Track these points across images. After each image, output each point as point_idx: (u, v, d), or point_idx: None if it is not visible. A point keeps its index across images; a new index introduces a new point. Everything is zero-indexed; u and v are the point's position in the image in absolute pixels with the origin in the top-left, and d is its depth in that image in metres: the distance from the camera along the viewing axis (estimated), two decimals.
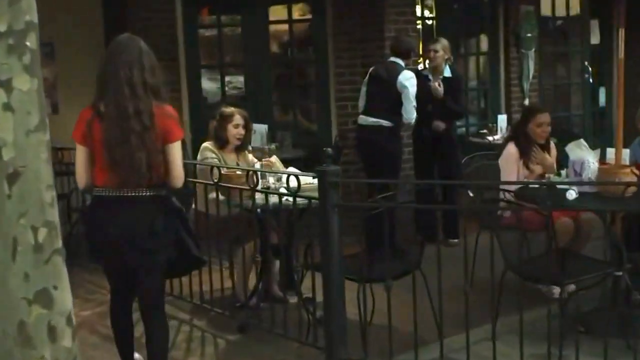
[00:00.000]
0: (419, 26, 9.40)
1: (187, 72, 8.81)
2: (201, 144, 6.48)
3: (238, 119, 6.25)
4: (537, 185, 5.65)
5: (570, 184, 5.26)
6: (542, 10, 10.75)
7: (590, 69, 11.64)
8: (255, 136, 8.43)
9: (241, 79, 9.32)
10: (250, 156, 6.45)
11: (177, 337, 5.66)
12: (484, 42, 10.35)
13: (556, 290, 5.55)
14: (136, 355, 4.71)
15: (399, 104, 7.33)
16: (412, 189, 8.59)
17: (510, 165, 6.31)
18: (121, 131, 3.93)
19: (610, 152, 5.67)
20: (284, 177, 5.91)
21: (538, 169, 6.24)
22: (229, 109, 6.34)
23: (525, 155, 6.28)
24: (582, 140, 5.73)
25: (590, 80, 11.69)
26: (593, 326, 5.13)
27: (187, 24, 8.76)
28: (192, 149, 8.54)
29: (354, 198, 8.74)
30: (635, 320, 5.16)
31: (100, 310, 6.20)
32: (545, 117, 6.34)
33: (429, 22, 9.83)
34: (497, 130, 9.08)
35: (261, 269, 5.84)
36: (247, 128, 6.30)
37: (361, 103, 7.73)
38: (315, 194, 4.70)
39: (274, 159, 6.03)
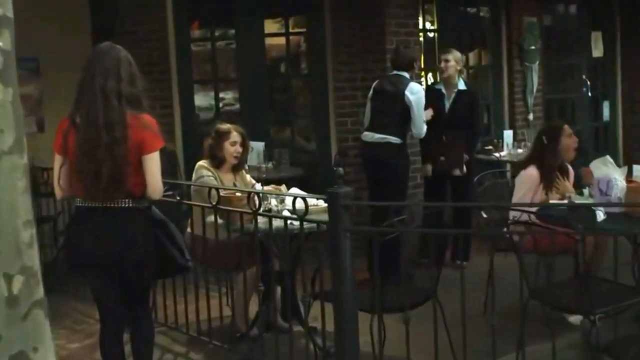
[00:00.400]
0: (421, 38, 9.11)
1: (180, 88, 8.50)
2: (194, 161, 6.17)
3: (235, 136, 5.89)
4: (564, 206, 5.25)
5: (602, 205, 4.87)
6: (544, 22, 10.50)
7: (588, 82, 11.39)
8: (251, 154, 8.14)
9: (236, 94, 9.01)
10: (249, 176, 6.06)
11: None
12: (487, 55, 10.14)
13: (580, 316, 5.17)
14: None
15: (407, 118, 6.96)
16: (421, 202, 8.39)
17: (528, 188, 5.91)
18: (90, 143, 3.90)
19: (638, 169, 5.31)
20: (288, 198, 5.56)
21: (557, 197, 5.84)
22: (225, 126, 5.97)
23: (546, 180, 5.88)
24: (607, 157, 5.36)
25: (589, 94, 11.45)
26: (621, 356, 4.74)
27: (179, 38, 8.46)
28: (184, 167, 8.18)
29: (357, 221, 8.40)
30: None
31: (89, 342, 5.78)
32: (569, 128, 5.98)
33: (431, 34, 9.57)
34: (503, 147, 8.72)
35: (263, 296, 5.45)
36: (245, 145, 5.94)
37: (366, 119, 7.34)
38: (321, 217, 4.44)
39: (283, 187, 5.64)
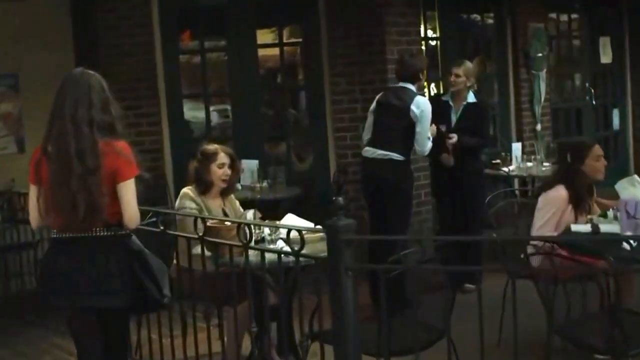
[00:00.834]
0: (423, 47, 8.71)
1: (168, 103, 8.17)
2: (185, 183, 5.72)
3: (222, 157, 5.42)
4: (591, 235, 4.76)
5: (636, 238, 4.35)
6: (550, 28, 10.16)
7: (592, 90, 11.01)
8: (245, 173, 7.71)
9: (228, 109, 8.68)
10: (238, 203, 5.57)
11: None
12: (492, 63, 9.80)
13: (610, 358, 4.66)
14: None
15: (412, 134, 6.48)
16: (430, 233, 7.95)
17: (556, 210, 5.36)
18: (63, 173, 3.84)
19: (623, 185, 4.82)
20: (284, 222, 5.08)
21: (584, 219, 5.33)
22: (212, 146, 5.51)
23: (576, 201, 5.35)
24: (635, 177, 4.88)
25: (593, 102, 11.06)
26: None
27: (166, 50, 8.13)
28: (174, 188, 7.74)
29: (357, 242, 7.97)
30: None
31: None
32: (600, 149, 5.46)
33: (433, 42, 9.20)
34: (511, 160, 8.25)
35: (257, 332, 4.96)
36: (234, 167, 5.46)
37: (366, 134, 6.86)
38: (320, 246, 4.13)
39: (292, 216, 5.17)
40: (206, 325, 4.68)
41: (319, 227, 5.22)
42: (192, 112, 8.73)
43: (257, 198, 7.40)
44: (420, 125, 6.47)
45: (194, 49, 8.60)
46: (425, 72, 6.84)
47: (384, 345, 3.97)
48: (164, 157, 8.11)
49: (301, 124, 8.88)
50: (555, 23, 10.69)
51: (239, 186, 7.61)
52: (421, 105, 6.49)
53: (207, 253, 4.62)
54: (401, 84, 6.70)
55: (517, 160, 8.23)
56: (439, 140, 6.86)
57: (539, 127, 9.63)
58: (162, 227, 4.84)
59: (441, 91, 8.62)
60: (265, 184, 7.64)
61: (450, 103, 7.14)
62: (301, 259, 4.06)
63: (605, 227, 4.88)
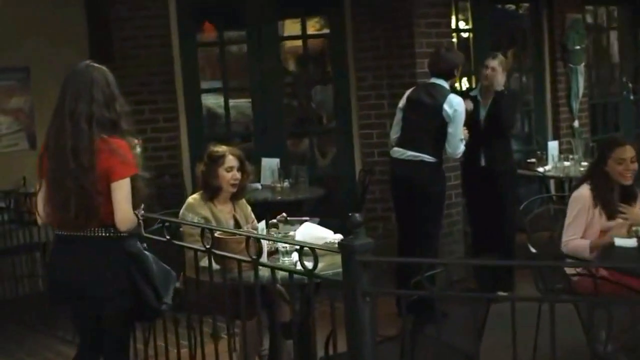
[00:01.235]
0: (454, 39, 8.34)
1: (185, 97, 7.79)
2: None
3: (231, 160, 5.02)
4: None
5: None
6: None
7: (630, 85, 10.65)
8: (265, 172, 7.34)
9: (248, 104, 8.29)
10: (249, 208, 5.18)
11: None
12: (527, 56, 9.44)
13: None
14: None
15: (443, 135, 6.04)
16: (461, 235, 7.57)
17: (579, 210, 5.02)
18: (59, 170, 3.77)
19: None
20: (299, 234, 4.68)
21: (623, 229, 4.90)
22: (219, 148, 5.11)
23: (600, 202, 4.98)
24: None
25: (631, 97, 10.71)
26: None
27: (184, 42, 7.75)
28: (192, 189, 7.37)
29: (384, 245, 7.59)
30: None
31: None
32: (626, 152, 5.03)
33: (465, 34, 8.82)
34: (547, 160, 7.79)
35: (270, 353, 4.59)
36: (244, 170, 5.06)
37: (395, 132, 6.45)
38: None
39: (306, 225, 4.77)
40: (213, 340, 4.30)
41: (338, 236, 4.85)
42: (211, 107, 8.43)
43: (277, 199, 7.03)
44: (453, 126, 6.03)
45: (213, 40, 8.28)
46: (460, 68, 6.41)
47: None
48: (181, 154, 7.74)
49: (325, 121, 8.55)
50: (593, 14, 10.33)
51: (258, 186, 7.28)
52: (454, 105, 6.04)
53: (216, 266, 4.23)
54: (433, 80, 6.26)
55: (554, 160, 7.79)
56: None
57: (576, 123, 9.28)
58: (167, 237, 4.45)
59: (473, 86, 8.18)
60: (286, 183, 7.26)
61: (479, 98, 6.69)
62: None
63: None
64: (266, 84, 7.90)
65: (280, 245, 4.45)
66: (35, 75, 7.63)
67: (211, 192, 4.99)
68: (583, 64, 9.29)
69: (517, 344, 3.23)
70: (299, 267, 3.64)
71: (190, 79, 7.78)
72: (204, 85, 8.13)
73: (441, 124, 6.05)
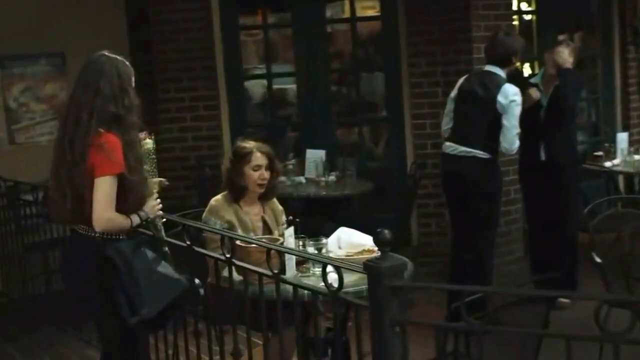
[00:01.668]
0: (515, 22, 7.80)
1: (227, 84, 7.44)
2: None
3: (258, 157, 4.59)
4: None
5: None
6: None
7: None
8: (309, 165, 6.93)
9: (293, 91, 7.93)
10: (281, 209, 4.73)
11: None
12: (595, 41, 8.87)
13: None
14: None
15: (498, 128, 5.53)
16: (520, 234, 7.07)
17: None
18: (57, 162, 3.74)
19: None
20: (330, 243, 4.24)
21: None
22: (247, 144, 4.68)
23: None
24: None
25: None
26: None
27: (225, 26, 7.39)
28: None
29: (437, 244, 7.14)
30: None
31: None
32: None
33: (528, 16, 8.25)
34: (615, 153, 7.19)
35: None
36: (273, 169, 4.63)
37: (445, 123, 6.00)
38: None
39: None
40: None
41: (369, 246, 4.39)
42: (254, 95, 8.12)
43: (321, 194, 6.61)
44: (507, 119, 5.51)
45: (256, 24, 7.94)
46: (519, 55, 5.87)
47: None
48: (223, 144, 7.36)
49: (375, 110, 8.07)
50: None
51: (302, 179, 6.86)
52: (510, 95, 5.51)
53: (237, 277, 3.80)
54: (488, 67, 5.76)
55: (623, 153, 7.15)
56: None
57: None
58: (188, 242, 4.03)
59: (536, 72, 7.62)
60: (332, 177, 6.81)
61: (540, 87, 6.12)
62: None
63: None
64: (312, 70, 7.51)
65: (312, 253, 4.04)
66: (71, 61, 7.26)
67: (236, 193, 4.57)
68: None
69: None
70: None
71: (232, 64, 7.44)
72: (247, 71, 7.86)
73: (495, 117, 5.54)
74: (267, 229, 4.64)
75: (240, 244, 3.78)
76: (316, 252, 3.97)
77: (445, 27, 7.08)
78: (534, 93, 5.97)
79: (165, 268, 3.65)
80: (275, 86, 7.87)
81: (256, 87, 8.09)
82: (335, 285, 2.96)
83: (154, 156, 3.94)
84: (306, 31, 7.50)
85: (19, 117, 7.18)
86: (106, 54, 3.80)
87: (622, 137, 7.36)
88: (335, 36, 8.06)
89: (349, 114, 8.14)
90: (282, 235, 4.18)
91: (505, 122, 5.51)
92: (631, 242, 4.75)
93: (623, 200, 6.39)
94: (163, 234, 3.92)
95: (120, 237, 3.69)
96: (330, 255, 4.15)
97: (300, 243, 4.15)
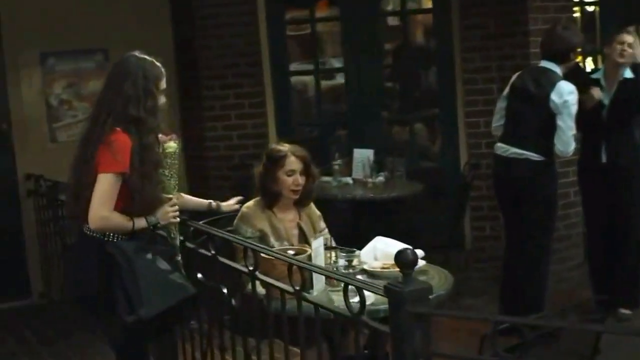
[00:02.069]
0: (577, 14, 7.43)
1: (273, 81, 7.23)
2: None
3: (293, 162, 4.32)
4: None
5: None
6: None
7: None
8: (356, 165, 6.66)
9: (342, 88, 7.66)
10: (318, 214, 4.46)
11: None
12: None
13: None
14: None
15: (553, 128, 5.18)
16: (581, 239, 6.71)
17: None
18: (74, 159, 3.72)
19: None
20: (365, 254, 3.96)
21: None
22: (281, 147, 4.42)
23: None
24: None
25: None
26: None
27: (271, 20, 7.17)
28: None
29: (491, 248, 6.80)
30: None
31: None
32: None
33: (590, 8, 7.85)
34: None
35: None
36: (309, 174, 4.35)
37: (495, 121, 5.71)
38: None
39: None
40: None
41: (419, 252, 4.09)
42: (301, 91, 7.89)
43: (368, 196, 6.32)
44: (562, 119, 5.17)
45: (303, 18, 7.65)
46: (577, 50, 5.52)
47: None
48: (268, 143, 7.11)
49: (427, 107, 7.75)
50: None
51: (349, 180, 6.59)
52: (564, 94, 5.16)
53: (261, 290, 3.54)
54: (543, 64, 5.43)
55: None
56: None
57: None
58: (212, 252, 3.80)
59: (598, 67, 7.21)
60: (380, 177, 6.52)
61: (602, 82, 5.73)
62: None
63: None
64: (362, 66, 7.23)
65: (342, 265, 3.77)
66: (114, 57, 6.97)
67: (269, 199, 4.32)
68: None
69: None
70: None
71: (279, 60, 7.22)
72: (294, 67, 7.64)
73: (548, 117, 5.20)
74: (303, 236, 4.38)
75: (266, 256, 3.53)
76: (346, 263, 3.69)
77: (501, 19, 6.75)
78: (596, 93, 5.59)
79: (170, 271, 3.59)
80: (323, 82, 7.63)
81: (303, 84, 7.87)
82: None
83: (175, 161, 3.74)
84: (355, 25, 7.24)
85: (60, 114, 7.04)
86: (136, 54, 3.74)
87: None
88: (385, 30, 7.76)
89: (399, 112, 7.86)
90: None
91: (560, 122, 5.17)
92: None
93: None
94: (177, 242, 3.73)
95: (121, 237, 3.59)
96: (365, 267, 3.89)
97: (333, 254, 3.88)
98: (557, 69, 5.31)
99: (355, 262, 3.72)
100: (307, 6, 7.42)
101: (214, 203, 4.37)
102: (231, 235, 3.80)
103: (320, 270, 3.10)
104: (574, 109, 5.17)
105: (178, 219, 3.74)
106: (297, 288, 3.10)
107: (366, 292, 2.72)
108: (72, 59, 7.08)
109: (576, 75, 5.61)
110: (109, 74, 3.77)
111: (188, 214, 4.16)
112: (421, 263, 3.92)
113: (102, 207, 3.51)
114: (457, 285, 6.28)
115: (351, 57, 7.29)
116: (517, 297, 5.50)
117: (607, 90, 5.71)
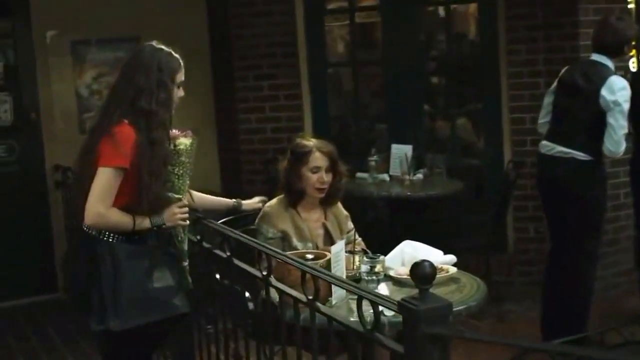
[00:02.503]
0: (631, 5, 6.90)
1: (310, 72, 6.97)
2: None
3: (318, 158, 4.04)
4: None
5: None
6: None
7: None
8: (394, 161, 6.38)
9: (381, 81, 7.34)
10: (346, 214, 4.18)
11: None
12: None
13: None
14: None
15: (602, 127, 4.85)
16: (631, 243, 6.37)
17: None
18: (80, 150, 3.58)
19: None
20: (389, 260, 3.68)
21: None
22: (307, 142, 4.14)
23: None
24: None
25: None
26: None
27: (309, 9, 6.91)
28: None
29: (535, 251, 6.47)
30: None
31: None
32: None
33: None
34: None
35: None
36: (335, 171, 4.08)
37: (541, 117, 5.40)
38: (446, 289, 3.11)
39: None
40: None
41: (449, 258, 3.82)
42: (339, 84, 7.63)
43: (405, 194, 6.04)
44: (613, 117, 4.81)
45: (342, 7, 7.39)
46: (632, 43, 5.19)
47: None
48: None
49: (470, 102, 7.40)
50: None
51: (386, 177, 6.31)
52: (616, 90, 4.81)
53: (275, 297, 3.28)
54: (594, 57, 5.09)
55: None
56: None
57: None
58: (228, 254, 3.55)
59: None
60: (419, 175, 6.24)
61: None
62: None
63: None
64: (402, 58, 6.90)
65: (364, 271, 3.49)
66: None
67: (293, 197, 4.04)
68: None
69: None
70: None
71: (316, 51, 6.96)
72: (331, 58, 7.41)
73: (598, 114, 4.85)
74: (329, 238, 4.11)
75: (283, 260, 3.27)
76: (369, 269, 3.41)
77: (549, 9, 6.37)
78: None
79: (164, 286, 3.40)
80: (361, 74, 7.35)
81: (341, 76, 7.60)
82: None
83: (187, 159, 3.49)
84: (396, 16, 6.92)
85: (90, 105, 6.87)
86: (153, 44, 3.58)
87: None
88: (427, 21, 7.44)
89: (439, 106, 7.54)
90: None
91: (611, 120, 4.81)
92: None
93: None
94: (185, 246, 3.48)
95: (119, 237, 3.41)
96: (390, 273, 3.61)
97: (357, 259, 3.61)
98: (610, 63, 4.97)
99: (378, 268, 3.43)
100: None
101: (235, 202, 4.14)
102: (246, 236, 3.53)
103: (331, 280, 2.80)
104: (626, 106, 4.81)
105: (187, 222, 3.50)
106: (310, 297, 2.83)
107: None
108: (103, 48, 6.93)
109: None
110: (123, 64, 3.63)
111: (213, 214, 3.95)
112: (452, 270, 3.64)
113: (99, 203, 3.34)
114: (498, 290, 6.06)
115: (392, 49, 6.98)
116: (559, 307, 5.18)
117: None
